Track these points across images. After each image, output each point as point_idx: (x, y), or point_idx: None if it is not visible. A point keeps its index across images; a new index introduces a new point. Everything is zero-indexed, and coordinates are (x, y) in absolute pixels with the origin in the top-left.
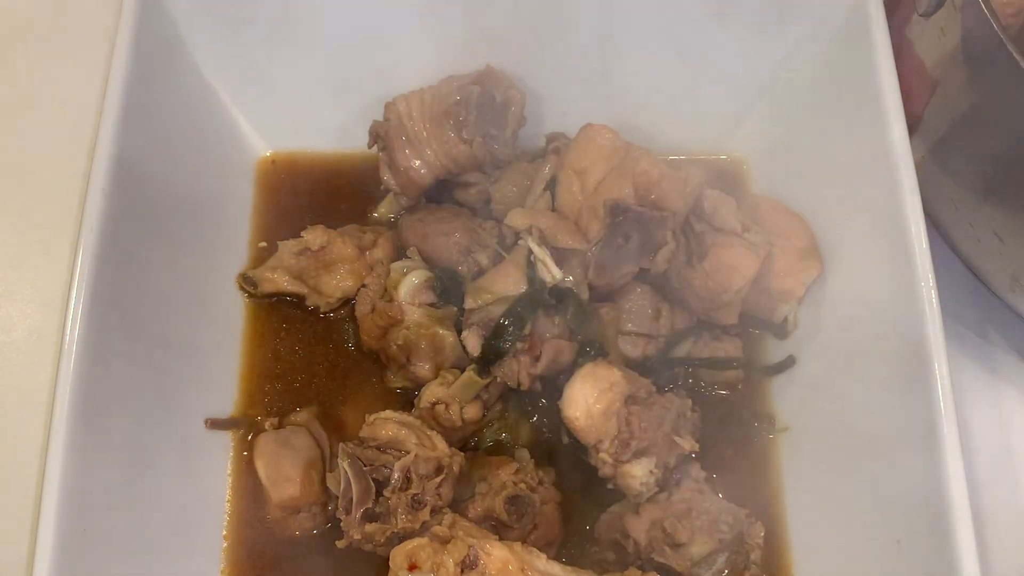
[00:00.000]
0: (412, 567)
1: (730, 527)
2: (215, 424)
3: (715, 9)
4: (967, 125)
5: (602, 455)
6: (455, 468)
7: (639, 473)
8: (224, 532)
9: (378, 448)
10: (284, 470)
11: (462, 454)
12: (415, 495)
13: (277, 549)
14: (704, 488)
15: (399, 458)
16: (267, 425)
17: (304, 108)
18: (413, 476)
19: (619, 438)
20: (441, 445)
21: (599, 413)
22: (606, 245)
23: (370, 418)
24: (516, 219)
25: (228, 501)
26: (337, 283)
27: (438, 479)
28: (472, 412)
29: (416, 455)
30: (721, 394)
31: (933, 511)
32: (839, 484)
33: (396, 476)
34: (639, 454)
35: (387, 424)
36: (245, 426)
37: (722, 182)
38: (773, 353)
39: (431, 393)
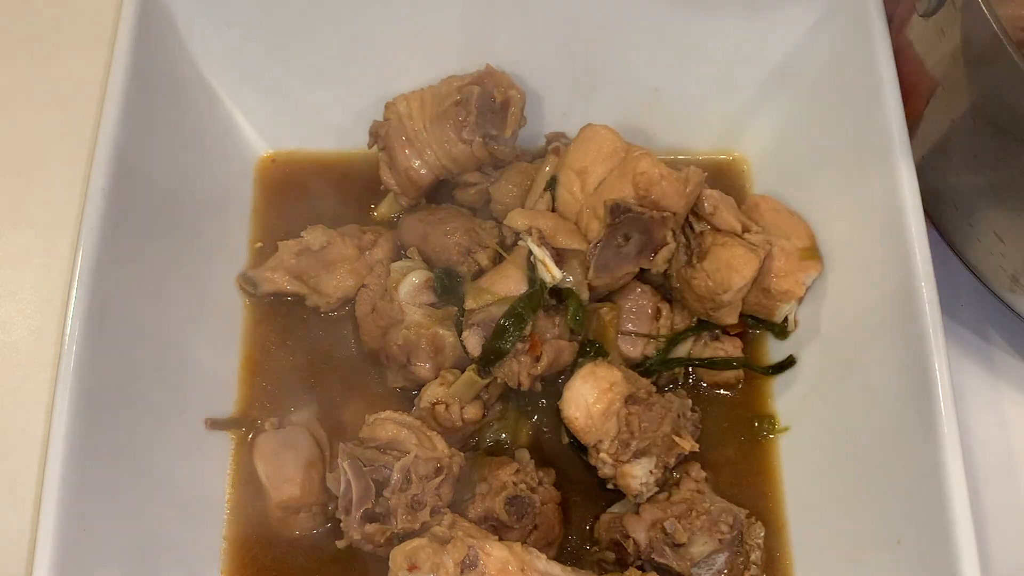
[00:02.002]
0: (412, 567)
1: (730, 528)
2: (215, 424)
3: (715, 9)
4: (967, 126)
5: (602, 455)
6: (455, 469)
7: (639, 473)
8: (224, 532)
9: (378, 448)
10: (284, 470)
11: (462, 455)
12: (415, 496)
13: (277, 549)
14: (704, 488)
15: (399, 458)
16: (267, 425)
17: (304, 108)
18: (413, 477)
19: (619, 438)
20: (441, 446)
21: (599, 413)
22: (606, 245)
23: (370, 418)
24: (516, 220)
25: (228, 501)
26: (337, 283)
27: (438, 479)
28: (472, 412)
29: (416, 455)
30: (721, 394)
31: (933, 511)
32: (839, 484)
33: (396, 477)
34: (639, 454)
35: (387, 424)
36: (245, 426)
37: (723, 182)
38: (773, 353)
39: (431, 394)
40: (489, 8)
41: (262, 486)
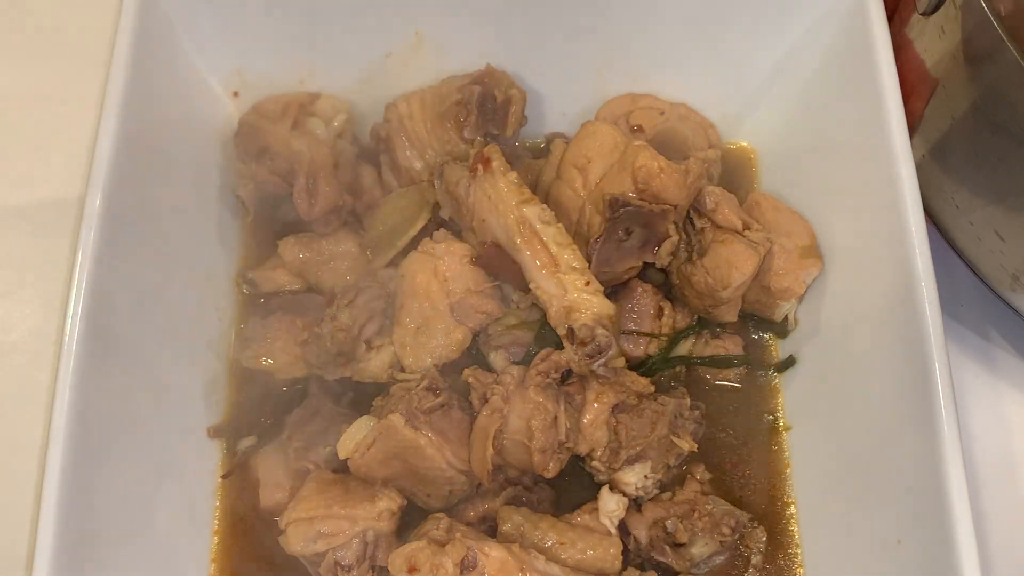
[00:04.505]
0: (411, 569)
1: (732, 530)
2: (217, 433)
3: (716, 9)
4: (967, 124)
5: (595, 463)
6: (384, 527)
7: (631, 480)
8: (215, 530)
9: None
10: (276, 475)
11: (392, 505)
12: None
13: (267, 550)
14: (708, 490)
15: (325, 553)
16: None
17: None
18: (339, 572)
19: (609, 447)
20: (361, 511)
21: (588, 424)
22: (607, 240)
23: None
24: None
25: (222, 502)
26: (338, 280)
27: (367, 560)
28: None
29: (332, 550)
30: (724, 395)
31: (933, 511)
32: (839, 484)
33: None
34: (632, 460)
35: (312, 524)
36: (243, 436)
37: (724, 181)
38: (774, 352)
39: None
40: (489, 8)
41: (256, 487)
